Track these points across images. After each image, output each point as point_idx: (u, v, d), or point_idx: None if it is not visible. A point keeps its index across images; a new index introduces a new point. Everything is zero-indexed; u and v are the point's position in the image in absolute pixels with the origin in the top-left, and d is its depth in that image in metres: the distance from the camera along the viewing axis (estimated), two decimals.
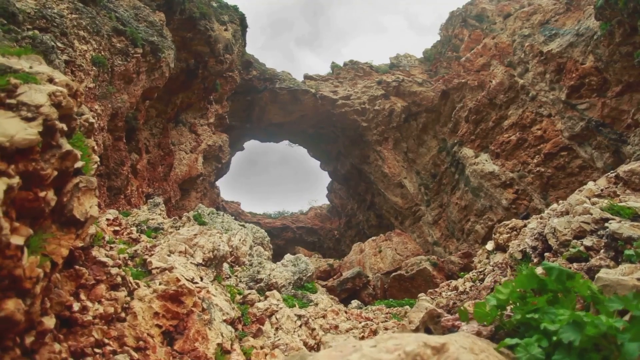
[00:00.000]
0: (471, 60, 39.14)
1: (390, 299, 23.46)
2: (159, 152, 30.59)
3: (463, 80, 38.89)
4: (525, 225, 9.97)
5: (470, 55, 39.35)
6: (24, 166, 3.30)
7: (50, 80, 4.10)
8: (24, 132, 3.27)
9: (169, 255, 7.28)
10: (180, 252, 7.60)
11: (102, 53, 17.23)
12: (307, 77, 43.77)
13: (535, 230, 8.38)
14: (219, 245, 8.65)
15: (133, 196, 22.86)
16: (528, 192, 32.76)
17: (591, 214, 6.39)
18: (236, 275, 13.08)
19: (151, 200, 17.96)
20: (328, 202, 61.45)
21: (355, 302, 21.45)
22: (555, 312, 3.08)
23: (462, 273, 20.80)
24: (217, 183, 45.92)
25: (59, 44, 14.56)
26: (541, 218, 10.31)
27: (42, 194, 3.51)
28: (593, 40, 28.49)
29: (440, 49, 44.83)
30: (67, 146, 3.80)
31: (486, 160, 35.89)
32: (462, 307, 5.19)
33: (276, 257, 22.98)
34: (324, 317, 11.81)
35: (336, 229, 56.84)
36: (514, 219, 10.71)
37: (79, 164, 4.00)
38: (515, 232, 10.13)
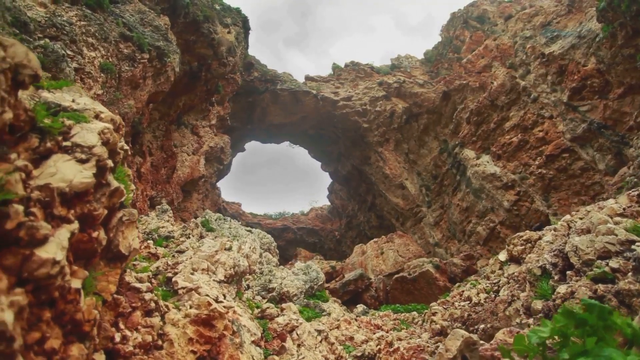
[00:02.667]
0: (472, 61, 39.21)
1: (397, 304, 23.50)
2: (162, 154, 30.56)
3: (464, 82, 38.96)
4: (540, 238, 10.04)
5: (471, 57, 39.42)
6: (81, 209, 3.33)
7: (97, 116, 4.12)
8: (80, 175, 3.30)
9: (192, 274, 7.32)
10: (203, 269, 7.64)
11: (110, 59, 17.21)
12: (308, 78, 43.75)
13: (554, 245, 8.43)
14: (239, 261, 8.69)
15: (138, 200, 22.86)
16: (529, 193, 32.87)
17: (616, 235, 6.45)
18: (248, 284, 13.12)
19: (159, 206, 17.97)
20: (329, 203, 61.49)
21: (360, 307, 21.47)
22: (609, 356, 3.13)
23: (472, 281, 20.84)
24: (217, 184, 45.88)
25: (69, 52, 14.54)
26: (555, 230, 10.37)
27: (94, 234, 3.54)
28: (595, 42, 28.60)
29: (441, 50, 44.88)
30: (114, 183, 3.82)
31: (487, 162, 35.98)
32: (502, 344, 5.25)
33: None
34: (337, 327, 11.87)
35: (337, 229, 56.87)
36: (527, 231, 10.78)
37: (123, 198, 4.03)
38: (530, 245, 10.19)
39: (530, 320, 7.30)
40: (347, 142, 46.49)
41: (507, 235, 33.71)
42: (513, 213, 33.50)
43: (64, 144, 3.43)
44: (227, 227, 17.83)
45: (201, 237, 15.98)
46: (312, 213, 61.68)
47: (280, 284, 13.82)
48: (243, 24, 33.27)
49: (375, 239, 37.36)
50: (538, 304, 7.24)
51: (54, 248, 2.84)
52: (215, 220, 18.35)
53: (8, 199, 2.63)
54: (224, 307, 6.66)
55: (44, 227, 2.81)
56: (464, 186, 37.88)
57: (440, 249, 39.36)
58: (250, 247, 13.86)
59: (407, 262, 32.95)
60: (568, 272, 7.07)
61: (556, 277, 7.44)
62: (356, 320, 14.15)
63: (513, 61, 36.14)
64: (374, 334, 11.47)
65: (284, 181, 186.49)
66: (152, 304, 5.38)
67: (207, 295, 6.65)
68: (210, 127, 36.62)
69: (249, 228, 19.14)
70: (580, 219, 10.21)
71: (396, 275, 31.17)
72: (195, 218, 35.80)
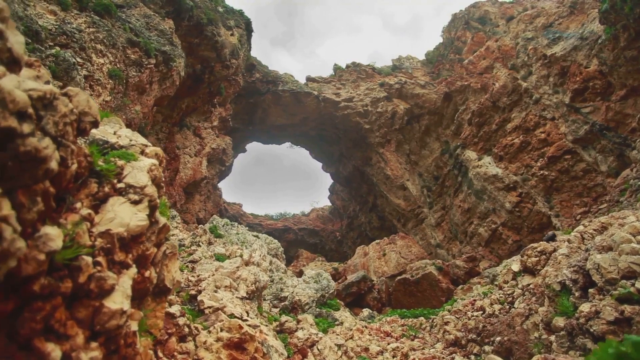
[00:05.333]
0: (474, 62, 39.24)
1: (402, 308, 23.56)
2: (165, 156, 30.50)
3: (466, 83, 39.01)
4: (555, 250, 10.10)
5: (473, 58, 39.44)
6: (136, 251, 3.35)
7: (142, 152, 4.15)
8: (135, 218, 3.32)
9: (215, 292, 7.35)
10: (226, 287, 7.66)
11: (118, 65, 17.20)
12: (309, 79, 43.73)
13: (572, 260, 8.48)
14: (259, 276, 8.72)
15: None
16: (532, 195, 32.98)
17: None
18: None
19: None
20: (329, 204, 61.49)
21: (366, 311, 21.55)
22: None
23: (476, 284, 20.90)
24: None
25: (79, 59, 14.54)
26: (569, 242, 10.42)
27: (147, 274, 3.57)
28: (597, 44, 28.65)
29: (442, 51, 44.90)
30: (162, 220, 3.85)
31: (489, 163, 36.07)
32: None
33: None
34: (351, 338, 11.94)
35: (338, 230, 56.91)
36: (542, 243, 10.85)
37: (168, 233, 4.06)
38: (544, 256, 10.25)
39: (552, 337, 7.35)
40: (349, 143, 46.53)
41: (508, 236, 33.88)
42: (515, 214, 33.62)
43: (118, 185, 3.45)
44: (234, 233, 17.86)
45: (209, 243, 16.00)
46: (313, 214, 61.69)
47: (292, 292, 13.85)
48: (246, 26, 33.24)
49: (377, 241, 37.40)
50: (560, 321, 7.30)
51: (120, 297, 2.87)
52: (223, 225, 18.38)
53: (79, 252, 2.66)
54: (249, 325, 6.69)
55: (111, 277, 2.84)
56: (465, 187, 37.98)
57: (441, 250, 39.46)
58: (260, 255, 13.89)
59: (410, 264, 33.01)
60: (590, 290, 7.11)
61: (577, 294, 7.48)
62: (366, 327, 14.21)
63: (515, 62, 36.19)
64: (388, 344, 11.53)
65: (272, 181, 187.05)
66: (186, 329, 5.42)
67: (233, 314, 6.68)
68: (212, 129, 36.61)
69: (255, 233, 19.17)
70: (595, 230, 10.28)
71: (399, 277, 31.22)
72: (197, 220, 35.86)
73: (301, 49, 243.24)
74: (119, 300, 2.84)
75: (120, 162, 3.60)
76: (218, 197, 44.47)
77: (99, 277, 2.76)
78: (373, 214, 49.42)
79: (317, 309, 14.44)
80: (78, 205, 2.98)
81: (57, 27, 13.97)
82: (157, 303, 4.02)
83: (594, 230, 10.24)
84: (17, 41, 2.89)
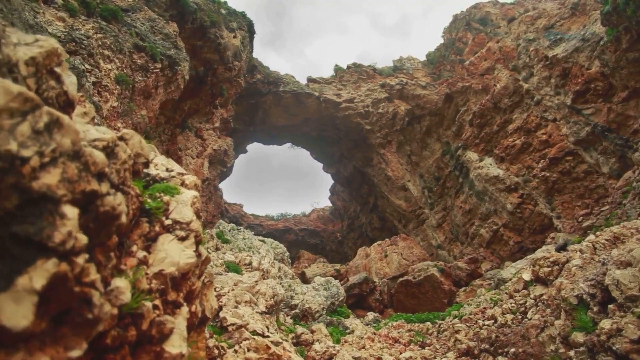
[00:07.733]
0: (475, 63, 39.28)
1: (404, 311, 23.63)
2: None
3: (467, 84, 39.04)
4: (568, 261, 10.14)
5: (474, 59, 39.48)
6: (185, 289, 3.37)
7: (182, 183, 4.16)
8: (184, 255, 3.34)
9: (236, 307, 7.37)
10: (246, 302, 7.68)
11: (124, 71, 17.16)
12: (310, 80, 43.68)
13: (588, 273, 8.53)
14: (277, 290, 8.74)
15: None
16: (533, 196, 33.07)
17: None
18: None
19: None
20: (330, 204, 61.49)
21: (371, 315, 21.59)
22: None
23: (478, 286, 20.99)
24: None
25: (87, 66, 14.51)
26: (581, 252, 10.48)
27: (193, 309, 3.59)
28: (599, 45, 28.71)
29: (443, 52, 44.90)
30: (204, 252, 3.87)
31: (490, 164, 36.13)
32: None
33: None
34: (364, 347, 11.97)
35: (339, 231, 56.94)
36: (554, 253, 10.86)
37: (210, 263, 4.08)
38: (557, 267, 10.29)
39: (571, 352, 7.39)
40: (349, 144, 46.54)
41: (510, 237, 33.97)
42: (516, 216, 33.71)
43: (166, 222, 3.46)
44: (241, 238, 17.89)
45: (217, 249, 16.02)
46: (313, 214, 61.74)
47: (302, 300, 13.89)
48: (248, 28, 33.19)
49: (379, 242, 37.47)
50: (579, 337, 7.34)
51: (178, 340, 2.89)
52: (229, 230, 18.42)
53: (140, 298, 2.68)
54: (272, 342, 6.72)
55: (169, 321, 2.86)
56: (466, 188, 38.04)
57: (442, 251, 39.54)
58: (269, 262, 13.93)
59: (411, 265, 33.11)
60: (609, 306, 7.14)
61: (595, 309, 7.52)
62: (375, 334, 14.25)
63: (516, 64, 36.24)
64: (400, 353, 11.57)
65: (260, 181, 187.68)
66: (215, 351, 5.44)
67: (255, 330, 6.71)
68: (213, 130, 36.50)
69: (262, 238, 19.20)
70: (607, 240, 10.33)
71: (401, 279, 31.30)
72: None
73: (289, 49, 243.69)
74: (177, 344, 2.86)
75: (165, 198, 3.61)
76: (219, 198, 44.34)
77: (159, 321, 2.78)
78: (374, 214, 49.47)
79: (328, 317, 14.45)
80: (134, 248, 3.00)
81: (66, 34, 13.94)
82: (198, 334, 4.04)
83: (606, 240, 10.29)
84: (71, 82, 2.91)
